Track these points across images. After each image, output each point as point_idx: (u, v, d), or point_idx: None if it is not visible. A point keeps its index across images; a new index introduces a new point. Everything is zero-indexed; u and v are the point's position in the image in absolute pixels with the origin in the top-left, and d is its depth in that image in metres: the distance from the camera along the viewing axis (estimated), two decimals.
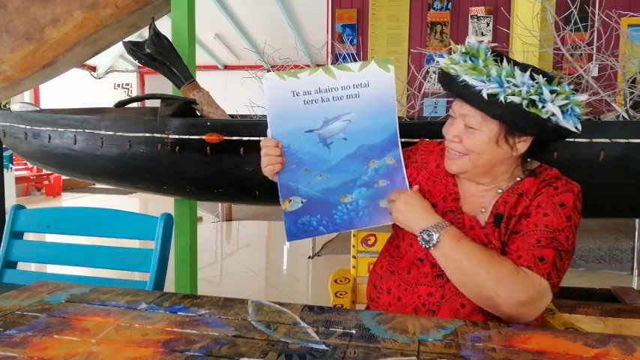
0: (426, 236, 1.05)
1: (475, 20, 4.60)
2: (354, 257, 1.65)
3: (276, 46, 2.56)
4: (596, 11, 2.13)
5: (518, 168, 1.12)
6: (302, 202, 1.16)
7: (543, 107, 0.98)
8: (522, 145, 1.06)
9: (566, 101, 0.99)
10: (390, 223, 1.20)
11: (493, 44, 1.09)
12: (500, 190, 1.11)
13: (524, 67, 1.01)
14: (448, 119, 1.13)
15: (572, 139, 1.55)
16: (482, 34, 4.56)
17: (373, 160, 1.16)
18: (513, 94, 0.98)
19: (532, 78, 0.99)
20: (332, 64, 4.33)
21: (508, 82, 0.98)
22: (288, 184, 1.16)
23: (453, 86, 1.05)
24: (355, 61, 2.51)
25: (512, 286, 0.98)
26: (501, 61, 1.01)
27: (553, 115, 0.98)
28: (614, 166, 1.55)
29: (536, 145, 1.08)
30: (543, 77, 0.99)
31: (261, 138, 1.17)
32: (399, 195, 1.12)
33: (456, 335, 0.88)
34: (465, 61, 1.04)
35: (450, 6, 4.67)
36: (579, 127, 1.01)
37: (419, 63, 4.32)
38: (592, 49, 2.19)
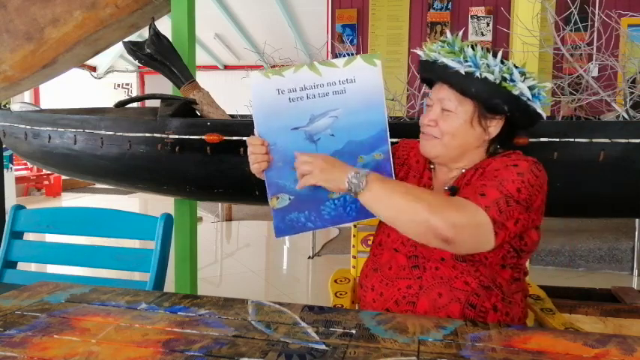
0: (355, 180, 1.02)
1: (475, 20, 4.60)
2: (354, 257, 1.65)
3: (276, 46, 2.56)
4: (596, 11, 2.13)
5: (487, 153, 1.17)
6: (289, 199, 1.17)
7: (514, 85, 1.07)
8: (494, 128, 1.13)
9: (534, 82, 1.09)
10: (377, 218, 1.20)
11: (464, 38, 1.14)
12: (463, 170, 1.16)
13: (494, 54, 1.10)
14: (424, 110, 1.19)
15: (572, 139, 1.55)
16: (482, 34, 4.57)
17: (361, 155, 1.16)
18: (488, 72, 1.06)
19: (502, 63, 1.08)
20: None
21: (482, 62, 1.07)
22: (275, 182, 1.17)
23: (433, 70, 1.13)
24: None
25: (446, 208, 0.97)
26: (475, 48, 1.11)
27: (522, 94, 1.07)
28: (614, 166, 1.55)
29: (505, 134, 1.15)
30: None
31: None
32: (314, 157, 1.08)
33: (456, 335, 0.88)
34: (443, 47, 1.12)
35: (450, 6, 4.67)
36: (544, 115, 1.12)
37: (419, 63, 4.31)
38: (592, 49, 2.19)
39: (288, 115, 1.14)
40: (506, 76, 1.07)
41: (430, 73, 1.16)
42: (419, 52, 1.19)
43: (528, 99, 1.08)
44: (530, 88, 1.08)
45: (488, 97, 1.08)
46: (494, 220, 0.98)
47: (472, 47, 1.09)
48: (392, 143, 1.18)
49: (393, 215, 1.02)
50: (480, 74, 1.06)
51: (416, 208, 0.98)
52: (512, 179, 1.03)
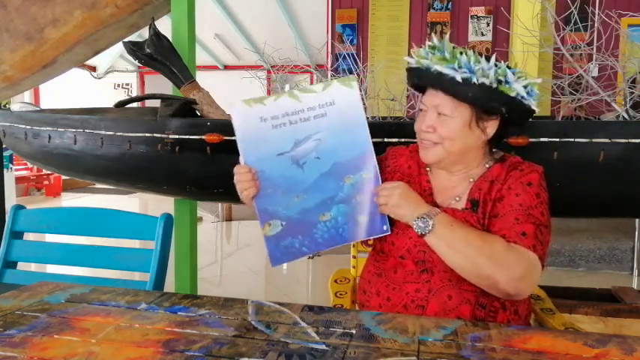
0: (421, 223, 1.07)
1: (475, 20, 4.61)
2: (354, 257, 1.65)
3: (276, 46, 2.57)
4: (596, 11, 2.13)
5: (487, 156, 1.19)
6: (282, 224, 1.17)
7: (510, 87, 1.09)
8: (491, 128, 1.14)
9: (527, 81, 1.10)
10: (370, 238, 1.21)
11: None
12: (472, 180, 1.17)
13: (486, 57, 1.10)
14: (418, 115, 1.19)
15: (572, 139, 1.55)
16: (483, 34, 4.56)
17: (349, 175, 1.17)
18: (483, 76, 1.07)
19: (496, 65, 1.09)
20: (332, 64, 4.34)
21: (477, 67, 1.07)
22: (266, 208, 1.17)
23: (426, 78, 1.13)
24: (355, 61, 2.50)
25: (506, 262, 1.02)
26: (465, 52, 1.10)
27: (518, 95, 1.09)
28: (614, 166, 1.55)
29: (500, 132, 1.17)
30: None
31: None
32: (393, 190, 1.13)
33: (456, 335, 0.88)
34: (434, 54, 1.11)
35: (450, 6, 4.67)
36: (537, 110, 1.14)
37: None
38: (592, 49, 2.19)
39: (273, 142, 1.15)
40: (502, 78, 1.08)
41: (422, 80, 1.15)
42: (408, 59, 1.18)
43: (523, 97, 1.10)
44: (524, 86, 1.10)
45: (486, 101, 1.09)
46: (541, 257, 1.05)
47: (464, 52, 1.09)
48: (391, 144, 1.18)
49: (457, 262, 1.06)
50: (477, 80, 1.07)
51: (478, 262, 1.03)
52: (535, 204, 1.09)
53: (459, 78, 1.07)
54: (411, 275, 1.13)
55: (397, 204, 1.11)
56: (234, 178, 1.16)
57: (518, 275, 1.02)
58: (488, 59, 1.08)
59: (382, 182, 1.19)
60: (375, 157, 1.18)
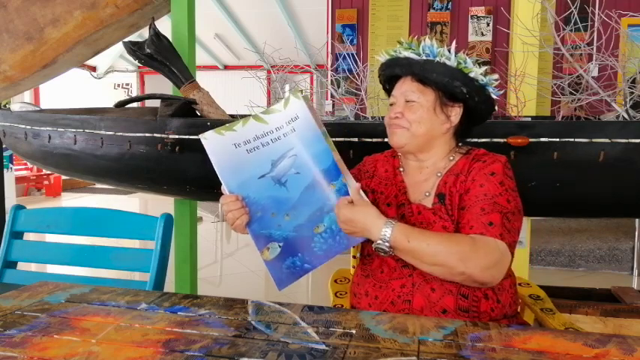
0: (380, 248, 1.08)
1: (475, 20, 4.61)
2: (354, 257, 1.65)
3: (276, 46, 2.57)
4: (596, 11, 2.13)
5: (454, 149, 1.25)
6: (279, 246, 1.17)
7: (469, 67, 1.17)
8: (455, 116, 1.22)
9: (485, 68, 1.19)
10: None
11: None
12: (439, 174, 1.22)
13: (447, 48, 1.21)
14: (388, 109, 1.27)
15: (572, 139, 1.55)
16: (483, 34, 4.57)
17: (331, 182, 1.15)
18: (444, 57, 1.18)
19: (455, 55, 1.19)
20: (332, 64, 4.34)
21: (439, 50, 1.19)
22: (260, 233, 1.16)
23: (396, 65, 1.24)
24: (355, 61, 2.50)
25: (476, 256, 1.04)
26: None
27: (477, 76, 1.18)
28: (614, 166, 1.55)
29: (465, 124, 1.24)
30: None
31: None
32: (337, 215, 1.11)
33: (456, 335, 0.88)
34: (402, 46, 1.24)
35: (450, 6, 4.67)
36: (496, 97, 1.23)
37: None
38: (592, 49, 2.19)
39: (251, 166, 1.15)
40: (461, 61, 1.17)
41: (393, 69, 1.25)
42: (379, 57, 1.29)
43: (484, 83, 1.18)
44: (482, 74, 1.18)
45: (449, 81, 1.17)
46: (509, 244, 1.09)
47: (426, 39, 1.20)
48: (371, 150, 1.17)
49: (428, 268, 1.08)
50: (440, 59, 1.17)
51: (450, 262, 1.04)
52: (499, 192, 1.12)
53: (423, 59, 1.19)
54: (395, 272, 1.16)
55: (348, 231, 1.11)
56: (223, 208, 1.16)
57: (489, 264, 1.04)
58: (449, 50, 1.19)
59: (363, 187, 1.19)
60: (337, 163, 1.15)
